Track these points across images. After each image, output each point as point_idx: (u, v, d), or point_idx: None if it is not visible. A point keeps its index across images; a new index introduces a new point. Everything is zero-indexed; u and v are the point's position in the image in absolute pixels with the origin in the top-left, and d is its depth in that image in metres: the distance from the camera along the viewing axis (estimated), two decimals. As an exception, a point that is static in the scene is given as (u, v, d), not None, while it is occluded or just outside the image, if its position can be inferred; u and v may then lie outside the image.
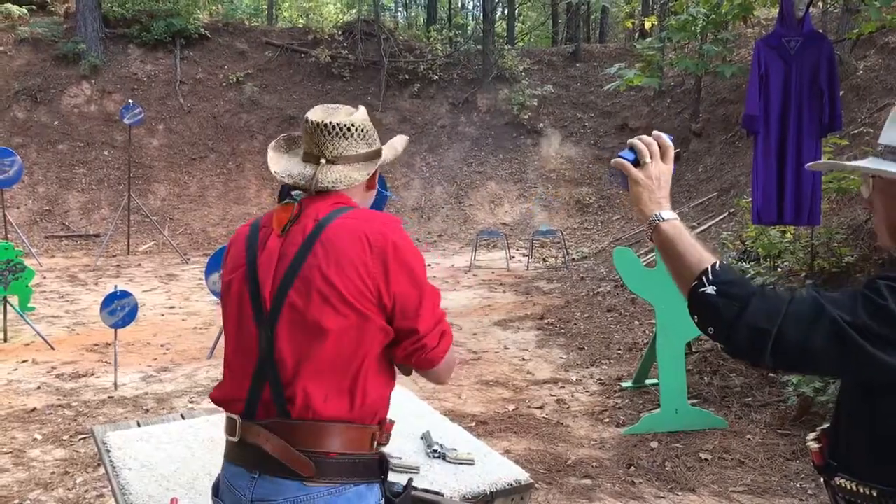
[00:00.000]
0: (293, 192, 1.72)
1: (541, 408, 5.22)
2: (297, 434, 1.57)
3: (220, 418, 2.70)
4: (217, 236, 13.74)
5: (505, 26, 22.22)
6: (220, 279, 1.82)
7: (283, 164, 1.78)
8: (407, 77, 17.58)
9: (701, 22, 5.98)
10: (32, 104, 15.33)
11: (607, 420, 4.96)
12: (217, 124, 16.26)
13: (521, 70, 17.49)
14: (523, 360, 6.50)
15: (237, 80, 16.97)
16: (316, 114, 1.76)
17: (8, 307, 6.77)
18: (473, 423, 4.82)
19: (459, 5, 26.53)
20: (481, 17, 19.99)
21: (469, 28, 21.90)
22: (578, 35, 20.38)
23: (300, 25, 20.05)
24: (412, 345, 1.65)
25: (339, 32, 18.52)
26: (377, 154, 1.82)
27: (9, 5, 16.87)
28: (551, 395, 5.50)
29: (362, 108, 1.84)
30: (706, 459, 4.24)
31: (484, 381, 5.85)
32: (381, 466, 1.67)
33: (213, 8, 19.25)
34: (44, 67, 16.01)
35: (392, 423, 1.73)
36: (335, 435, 1.59)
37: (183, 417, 2.72)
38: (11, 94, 15.26)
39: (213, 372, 6.03)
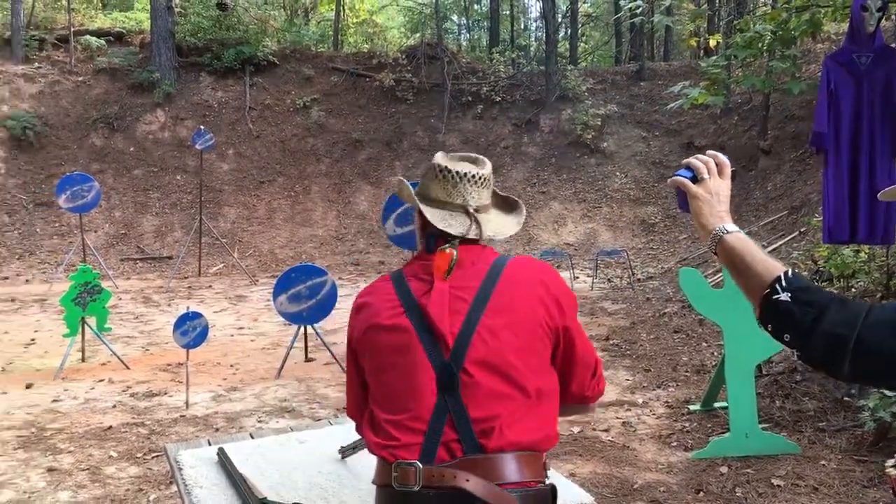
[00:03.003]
0: (446, 244, 1.74)
1: (606, 430, 5.15)
2: (493, 468, 1.58)
3: (287, 438, 2.75)
4: (284, 258, 14.00)
5: (567, 46, 22.20)
6: (350, 345, 1.81)
7: (435, 214, 1.79)
8: (470, 99, 17.70)
9: (767, 39, 5.88)
10: (110, 131, 15.94)
11: (675, 444, 4.86)
12: (284, 148, 16.63)
13: (584, 90, 17.44)
14: (588, 381, 6.42)
15: (304, 105, 17.34)
16: (458, 164, 1.83)
17: (86, 328, 7.02)
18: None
19: (522, 27, 26.65)
20: (544, 38, 20.03)
21: (532, 49, 21.96)
22: (642, 54, 20.23)
23: (365, 50, 20.40)
24: (589, 380, 1.82)
25: (403, 56, 18.78)
26: (518, 204, 1.96)
27: (88, 37, 17.66)
28: (617, 418, 5.43)
29: (487, 160, 1.91)
30: (779, 486, 4.11)
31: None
32: (553, 496, 1.71)
33: (282, 36, 19.72)
34: (120, 96, 16.65)
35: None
36: (526, 464, 1.62)
37: (252, 437, 2.78)
38: (90, 122, 15.91)
39: (280, 392, 6.13)
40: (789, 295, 1.28)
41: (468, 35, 26.63)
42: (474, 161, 1.87)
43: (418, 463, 1.58)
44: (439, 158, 1.84)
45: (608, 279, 11.86)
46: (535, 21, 27.13)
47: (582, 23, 24.48)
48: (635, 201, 15.45)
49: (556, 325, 1.71)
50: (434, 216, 1.78)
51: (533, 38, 24.98)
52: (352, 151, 16.67)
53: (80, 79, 16.80)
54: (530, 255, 13.89)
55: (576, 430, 5.14)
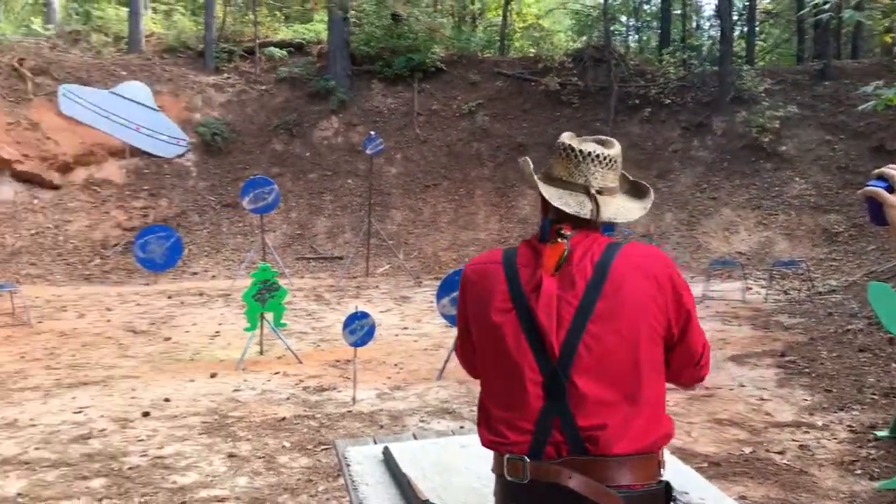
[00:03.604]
0: (559, 229, 1.71)
1: (781, 453, 4.85)
2: (598, 470, 1.59)
3: (448, 441, 2.79)
4: (447, 260, 14.25)
5: (744, 45, 21.17)
6: (461, 311, 1.85)
7: (553, 192, 1.77)
8: (637, 102, 17.27)
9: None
10: (289, 137, 16.89)
11: (859, 472, 4.51)
12: (450, 153, 16.95)
13: (761, 90, 16.54)
14: (761, 399, 6.09)
15: (469, 110, 17.60)
16: (579, 142, 1.78)
17: (264, 323, 7.46)
18: (705, 464, 4.59)
19: (694, 26, 25.69)
20: (718, 37, 19.21)
21: (704, 49, 21.13)
22: (828, 51, 18.93)
23: (530, 54, 20.41)
24: (689, 368, 1.80)
25: (569, 59, 18.62)
26: (648, 191, 1.89)
27: (272, 48, 18.81)
28: (793, 440, 5.10)
29: (616, 142, 1.85)
30: (981, 527, 3.72)
31: (717, 420, 5.55)
32: (667, 494, 1.68)
33: (450, 42, 20.11)
34: (299, 104, 17.60)
35: (661, 450, 1.74)
36: (636, 467, 1.61)
37: (415, 437, 2.84)
38: (272, 129, 16.93)
39: (441, 393, 6.24)
40: None
41: (637, 36, 25.99)
42: (602, 142, 1.81)
43: (526, 458, 1.62)
44: (565, 137, 1.80)
45: (784, 291, 11.19)
46: (709, 20, 26.07)
47: (760, 20, 23.27)
48: (816, 209, 14.49)
49: (669, 321, 1.67)
50: (551, 194, 1.75)
51: (706, 38, 24.01)
52: (515, 156, 16.70)
53: (264, 88, 17.91)
54: (699, 263, 13.37)
55: (747, 450, 4.88)
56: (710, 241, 14.47)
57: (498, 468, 1.71)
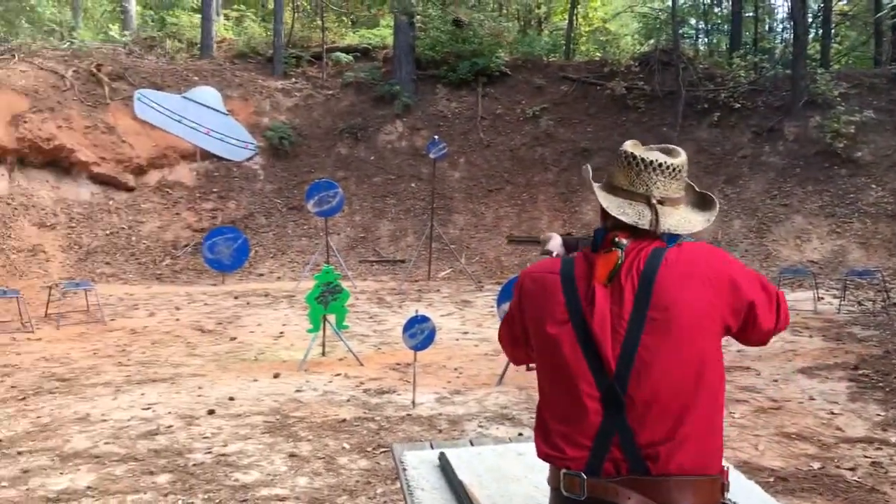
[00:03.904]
0: (614, 238, 1.68)
1: (852, 469, 4.68)
2: (658, 491, 1.56)
3: (505, 449, 2.77)
4: (509, 265, 14.21)
5: (818, 48, 20.57)
6: (515, 314, 1.85)
7: (610, 201, 1.74)
8: (706, 106, 16.92)
9: None
10: (354, 141, 17.09)
11: (935, 493, 4.32)
12: (513, 157, 16.90)
13: (835, 95, 16.02)
14: (832, 413, 5.89)
15: (533, 115, 17.52)
16: (641, 150, 1.75)
17: (326, 325, 7.56)
18: (771, 479, 4.46)
19: (767, 28, 25.08)
20: (791, 39, 18.70)
21: (777, 52, 20.60)
22: (907, 54, 18.24)
23: (596, 58, 20.23)
24: (759, 338, 1.79)
25: (636, 63, 18.39)
26: (714, 203, 1.84)
27: (338, 53, 19.08)
28: (865, 457, 4.92)
29: (682, 151, 1.82)
30: None
31: (785, 433, 5.39)
32: None
33: (514, 46, 20.07)
34: (364, 108, 17.79)
35: (728, 469, 1.69)
36: (699, 490, 1.57)
37: (472, 444, 2.84)
38: (337, 133, 17.16)
39: (501, 398, 6.22)
40: None
41: (706, 39, 25.50)
42: (668, 151, 1.76)
43: (583, 474, 1.59)
44: (627, 145, 1.76)
45: (858, 302, 10.81)
46: (782, 22, 25.42)
47: (836, 22, 22.57)
48: (893, 217, 13.96)
49: (728, 323, 1.65)
50: (610, 203, 1.72)
51: (779, 41, 23.42)
52: (579, 160, 16.56)
53: (330, 92, 18.18)
54: (768, 272, 13.02)
55: (816, 466, 4.73)
56: (781, 249, 14.08)
57: (554, 481, 1.69)
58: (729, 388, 6.26)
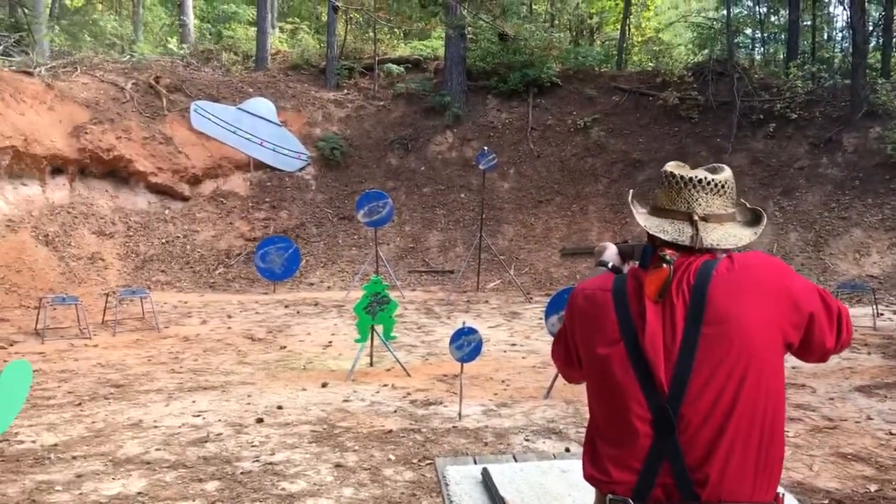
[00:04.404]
0: (661, 254, 1.65)
1: (912, 494, 4.53)
2: None
3: (549, 465, 2.75)
4: (559, 277, 14.12)
5: (879, 57, 20.04)
6: (568, 331, 1.82)
7: (650, 221, 1.73)
8: (761, 117, 16.61)
9: None
10: (404, 152, 17.20)
11: None
12: (563, 168, 16.81)
13: (897, 105, 15.59)
14: (890, 434, 5.70)
15: (584, 125, 17.41)
16: (682, 169, 1.72)
17: (374, 335, 7.59)
18: (826, 501, 4.34)
19: (825, 37, 24.53)
20: (850, 48, 18.26)
21: (836, 62, 20.13)
22: (974, 62, 17.67)
23: (649, 69, 20.03)
24: (819, 355, 1.69)
25: (689, 73, 18.16)
26: (761, 216, 1.79)
27: (390, 65, 19.24)
28: (925, 481, 4.75)
29: (727, 167, 1.78)
30: None
31: (841, 454, 5.24)
32: None
33: (566, 57, 19.99)
34: (415, 119, 17.91)
35: (783, 497, 1.63)
36: None
37: (515, 459, 2.82)
38: (388, 143, 17.29)
39: (548, 412, 6.16)
40: None
41: (762, 49, 25.05)
42: (712, 169, 1.72)
43: (629, 501, 1.55)
44: (668, 165, 1.73)
45: (920, 318, 10.47)
46: (841, 31, 24.83)
47: (898, 30, 21.97)
48: (958, 231, 13.51)
49: (788, 338, 1.59)
50: (649, 222, 1.70)
51: (838, 50, 22.87)
52: (631, 172, 16.42)
53: (381, 103, 18.33)
54: (825, 286, 12.70)
55: (873, 488, 4.58)
56: (839, 263, 13.72)
57: None
58: (783, 406, 6.11)
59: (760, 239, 14.44)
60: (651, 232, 1.69)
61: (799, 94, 16.81)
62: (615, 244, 2.17)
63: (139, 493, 4.37)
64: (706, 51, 20.68)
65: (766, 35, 24.32)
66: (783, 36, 22.83)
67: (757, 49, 24.94)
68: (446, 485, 2.53)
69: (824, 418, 6.04)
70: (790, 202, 15.10)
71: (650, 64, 21.26)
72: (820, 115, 16.50)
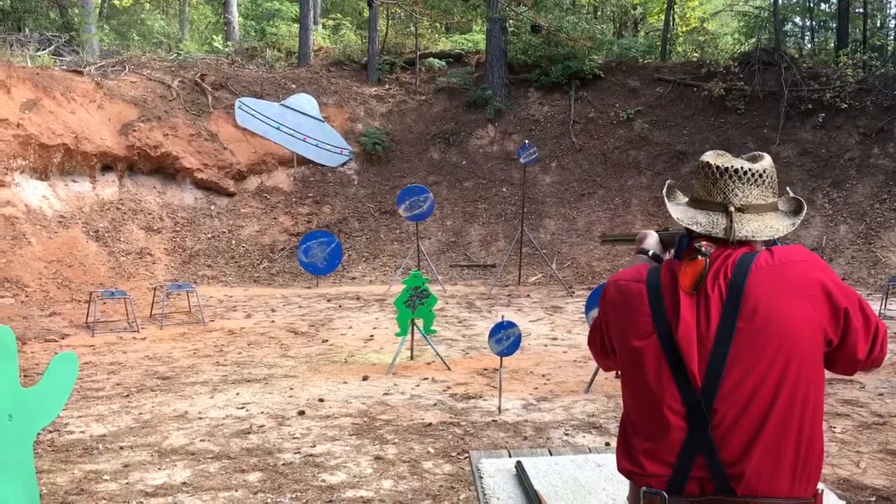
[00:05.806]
0: (697, 245, 1.63)
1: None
2: None
3: (584, 459, 2.74)
4: (601, 271, 14.01)
5: (934, 43, 19.46)
6: (602, 323, 1.81)
7: (683, 212, 1.70)
8: (810, 107, 16.23)
9: None
10: (446, 146, 17.21)
11: None
12: (606, 161, 16.66)
13: (953, 93, 15.13)
14: (942, 432, 5.56)
15: (627, 118, 17.22)
16: (719, 159, 1.68)
17: (415, 329, 7.63)
18: (874, 499, 4.24)
19: (877, 25, 23.87)
20: (903, 35, 17.76)
21: (888, 49, 19.59)
22: None
23: (694, 59, 19.72)
24: (853, 367, 1.63)
25: (735, 63, 17.82)
26: (801, 206, 1.73)
27: (431, 59, 19.26)
28: (977, 481, 4.62)
29: (767, 155, 1.73)
30: None
31: (890, 451, 5.12)
32: None
33: (609, 48, 19.78)
34: (456, 113, 17.90)
35: (822, 493, 1.60)
36: None
37: (550, 453, 2.81)
38: (429, 138, 17.32)
39: (588, 406, 6.13)
40: None
41: (811, 37, 24.50)
42: (751, 158, 1.67)
43: (664, 493, 1.53)
44: (705, 155, 1.69)
45: (976, 313, 10.16)
46: (894, 18, 24.15)
47: (954, 15, 21.31)
48: None
49: (827, 336, 1.54)
50: (682, 213, 1.67)
51: (890, 37, 22.25)
52: (675, 164, 16.19)
53: (423, 98, 18.36)
54: (876, 279, 12.39)
55: (922, 487, 4.47)
56: (891, 255, 13.37)
57: (633, 499, 1.64)
58: (830, 401, 6.00)
59: (809, 231, 14.17)
60: (684, 224, 1.66)
61: (849, 82, 16.39)
62: (657, 232, 2.14)
63: (184, 483, 4.46)
64: (753, 40, 20.28)
65: (815, 23, 23.77)
66: (833, 24, 22.30)
67: (806, 37, 24.39)
68: (480, 478, 2.54)
69: (873, 414, 5.91)
70: (840, 194, 14.75)
71: (695, 54, 20.91)
72: (871, 105, 16.07)
